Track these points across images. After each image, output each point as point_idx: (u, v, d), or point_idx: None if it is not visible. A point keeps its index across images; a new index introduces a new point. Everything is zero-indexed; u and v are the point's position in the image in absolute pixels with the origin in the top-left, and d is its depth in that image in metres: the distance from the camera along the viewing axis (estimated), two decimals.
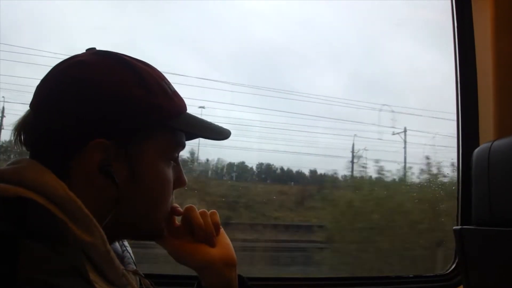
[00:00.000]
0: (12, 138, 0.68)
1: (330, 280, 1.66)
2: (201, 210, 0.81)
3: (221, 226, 0.83)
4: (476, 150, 1.29)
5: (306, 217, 4.20)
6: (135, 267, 0.77)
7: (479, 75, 1.55)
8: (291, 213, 4.17)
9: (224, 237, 0.83)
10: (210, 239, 0.80)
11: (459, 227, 1.31)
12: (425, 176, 3.54)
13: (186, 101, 0.77)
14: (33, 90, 0.69)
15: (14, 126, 0.68)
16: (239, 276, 0.84)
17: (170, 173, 0.74)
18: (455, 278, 1.62)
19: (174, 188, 0.77)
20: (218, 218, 0.83)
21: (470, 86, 1.58)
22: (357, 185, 4.10)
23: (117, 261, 0.65)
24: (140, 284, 0.77)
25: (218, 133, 0.79)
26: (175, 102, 0.72)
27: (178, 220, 0.82)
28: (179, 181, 0.77)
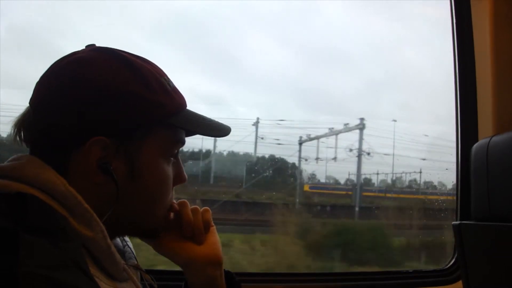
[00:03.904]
0: (11, 134, 0.69)
1: (326, 276, 1.66)
2: (193, 206, 0.81)
3: (213, 224, 0.82)
4: (475, 145, 1.29)
5: None
6: (136, 262, 0.78)
7: (478, 70, 1.55)
8: None
9: (214, 235, 0.81)
10: (197, 236, 0.79)
11: (458, 222, 1.31)
12: None
13: None
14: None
15: (13, 122, 0.69)
16: (227, 272, 0.84)
17: (169, 170, 0.74)
18: (455, 273, 1.62)
19: (174, 185, 0.77)
20: (210, 216, 0.82)
21: (469, 81, 1.58)
22: None
23: (118, 256, 0.66)
24: (141, 279, 0.78)
25: (218, 130, 0.79)
26: (174, 99, 0.72)
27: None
28: (179, 178, 0.78)
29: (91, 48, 0.71)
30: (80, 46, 0.72)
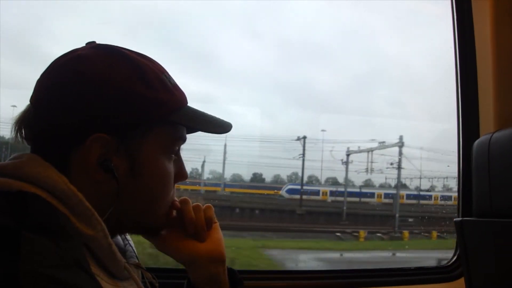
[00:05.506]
0: (12, 132, 0.68)
1: (328, 273, 1.65)
2: (195, 203, 0.80)
3: (216, 221, 0.82)
4: (476, 141, 1.29)
5: None
6: (137, 261, 0.78)
7: (479, 66, 1.55)
8: None
9: (217, 232, 0.81)
10: (199, 233, 0.78)
11: (460, 218, 1.31)
12: None
13: None
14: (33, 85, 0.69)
15: (14, 120, 0.68)
16: (230, 269, 0.83)
17: (170, 167, 0.74)
18: (457, 270, 1.62)
19: (175, 182, 0.76)
20: (212, 212, 0.81)
21: (470, 77, 1.57)
22: None
23: (119, 255, 0.66)
24: (143, 277, 0.78)
25: (219, 126, 0.79)
26: (175, 95, 0.72)
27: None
28: (180, 175, 0.77)
29: (91, 45, 0.71)
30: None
